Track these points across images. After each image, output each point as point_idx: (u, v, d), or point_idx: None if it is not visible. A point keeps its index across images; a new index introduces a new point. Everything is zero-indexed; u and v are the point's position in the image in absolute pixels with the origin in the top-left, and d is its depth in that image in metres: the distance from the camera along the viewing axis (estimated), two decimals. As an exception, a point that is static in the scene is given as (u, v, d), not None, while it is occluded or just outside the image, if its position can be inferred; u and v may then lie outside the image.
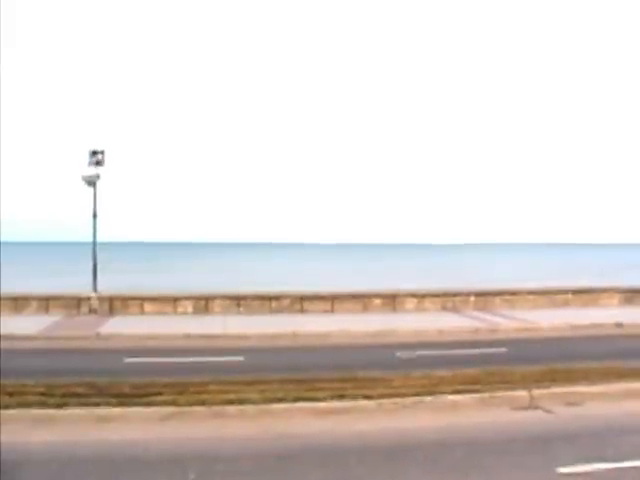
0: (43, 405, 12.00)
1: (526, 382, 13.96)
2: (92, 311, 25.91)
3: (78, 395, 12.80)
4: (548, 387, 13.55)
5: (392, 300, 28.22)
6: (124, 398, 12.60)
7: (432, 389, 13.46)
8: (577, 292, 30.26)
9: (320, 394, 12.98)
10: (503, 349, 19.65)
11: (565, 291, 30.36)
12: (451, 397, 12.96)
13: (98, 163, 26.59)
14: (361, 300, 28.05)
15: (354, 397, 12.83)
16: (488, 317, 25.93)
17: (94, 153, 26.54)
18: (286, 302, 27.42)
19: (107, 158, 26.79)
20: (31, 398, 12.43)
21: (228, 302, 27.15)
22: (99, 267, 27.07)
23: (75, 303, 26.31)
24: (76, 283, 34.22)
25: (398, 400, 12.67)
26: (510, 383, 13.98)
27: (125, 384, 13.75)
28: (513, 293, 29.65)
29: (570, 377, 14.61)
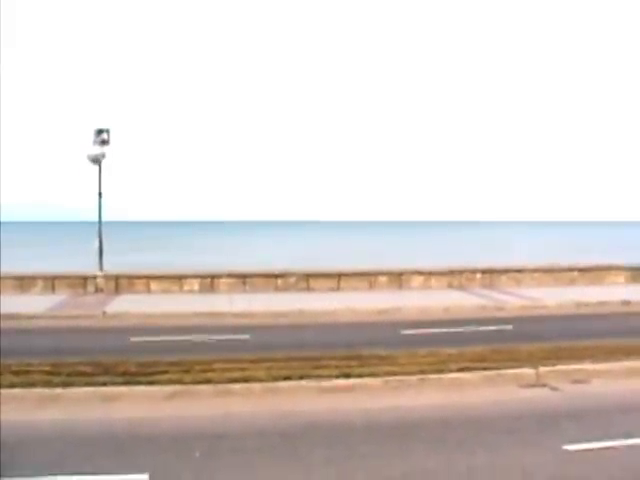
0: (49, 384, 12.01)
1: (532, 360, 13.93)
2: (98, 290, 25.94)
3: (84, 374, 12.82)
4: (554, 365, 13.52)
5: (398, 278, 28.17)
6: (130, 377, 12.61)
7: (438, 367, 13.44)
8: (583, 270, 30.12)
9: (326, 372, 12.97)
10: (509, 327, 19.60)
11: (571, 269, 30.23)
12: (457, 375, 12.95)
13: (103, 142, 26.45)
14: (367, 278, 28.00)
15: (360, 375, 12.82)
16: (494, 295, 25.88)
17: (99, 132, 26.40)
18: (292, 280, 27.40)
19: (112, 137, 26.66)
20: (37, 377, 12.46)
21: (234, 280, 27.14)
22: (105, 246, 27.05)
23: (81, 282, 26.33)
24: (82, 262, 34.29)
25: (404, 378, 12.66)
26: (517, 361, 13.95)
27: (131, 363, 13.76)
28: (519, 271, 29.55)
29: (576, 355, 14.56)
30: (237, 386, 12.11)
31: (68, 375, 12.65)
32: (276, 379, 12.48)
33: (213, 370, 13.17)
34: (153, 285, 26.68)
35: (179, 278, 27.07)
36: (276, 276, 27.55)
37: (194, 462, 8.80)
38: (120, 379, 12.44)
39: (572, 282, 29.20)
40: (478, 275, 28.78)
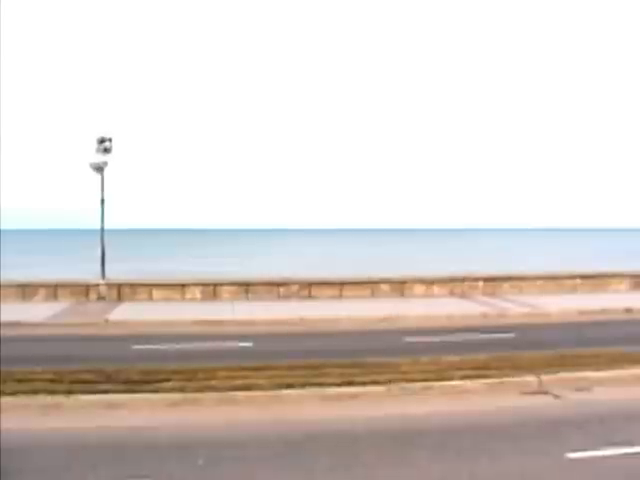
0: (52, 392, 12.02)
1: (535, 367, 13.93)
2: (100, 298, 25.94)
3: (86, 382, 12.82)
4: (557, 372, 13.52)
5: (400, 286, 28.17)
6: (132, 385, 12.62)
7: (441, 374, 13.44)
8: (586, 277, 30.12)
9: (329, 380, 12.97)
10: (512, 334, 19.58)
11: (573, 276, 30.22)
12: (460, 382, 12.94)
13: (106, 150, 26.52)
14: (369, 286, 28.00)
15: (363, 383, 12.81)
16: (497, 302, 25.86)
17: (102, 140, 26.46)
18: (294, 288, 27.39)
19: (115, 145, 26.72)
20: (40, 385, 12.46)
21: (236, 288, 27.15)
22: (107, 254, 27.05)
23: (83, 290, 26.35)
24: (84, 270, 34.30)
25: (407, 386, 12.66)
26: (519, 368, 13.95)
27: (133, 371, 13.76)
28: (521, 278, 29.56)
29: (579, 362, 14.55)
30: (240, 394, 12.12)
31: (71, 383, 12.65)
32: (279, 387, 12.48)
33: (216, 378, 13.17)
34: (155, 293, 26.68)
35: (181, 286, 27.07)
36: (278, 284, 27.55)
37: (197, 470, 8.81)
38: (123, 387, 12.45)
39: (574, 289, 29.18)
40: (480, 283, 28.76)
